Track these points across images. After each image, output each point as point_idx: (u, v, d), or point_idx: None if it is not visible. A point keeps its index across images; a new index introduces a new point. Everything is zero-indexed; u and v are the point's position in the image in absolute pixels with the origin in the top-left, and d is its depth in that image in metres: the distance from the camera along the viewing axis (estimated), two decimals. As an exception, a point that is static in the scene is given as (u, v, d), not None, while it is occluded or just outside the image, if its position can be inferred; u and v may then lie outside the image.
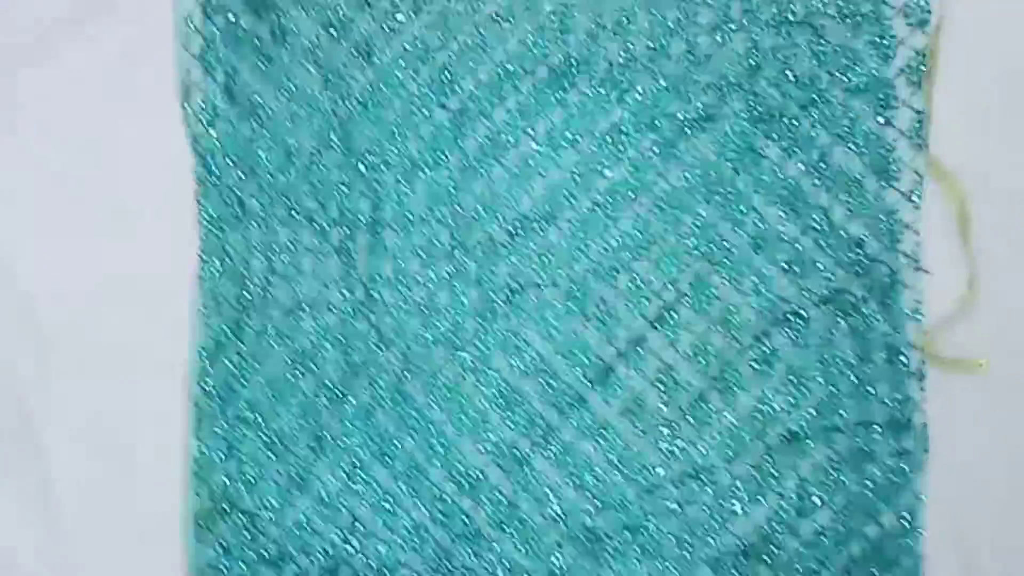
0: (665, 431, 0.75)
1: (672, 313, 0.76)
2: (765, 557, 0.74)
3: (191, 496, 0.78)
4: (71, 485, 0.78)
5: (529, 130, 0.77)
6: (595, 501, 0.75)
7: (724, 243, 0.75)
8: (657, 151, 0.76)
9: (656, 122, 0.76)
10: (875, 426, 0.73)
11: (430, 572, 0.76)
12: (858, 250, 0.75)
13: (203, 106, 0.78)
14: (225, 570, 0.78)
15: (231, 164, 0.78)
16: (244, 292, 0.78)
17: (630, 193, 0.76)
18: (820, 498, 0.73)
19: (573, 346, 0.76)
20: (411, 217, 0.77)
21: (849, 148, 0.75)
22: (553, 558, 0.75)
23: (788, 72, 0.75)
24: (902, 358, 0.74)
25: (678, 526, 0.74)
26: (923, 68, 0.74)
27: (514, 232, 0.77)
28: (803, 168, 0.75)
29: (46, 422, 0.78)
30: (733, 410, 0.75)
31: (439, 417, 0.76)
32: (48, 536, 0.78)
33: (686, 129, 0.76)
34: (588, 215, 0.77)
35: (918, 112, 0.75)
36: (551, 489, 0.75)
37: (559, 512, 0.75)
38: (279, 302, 0.78)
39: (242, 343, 0.78)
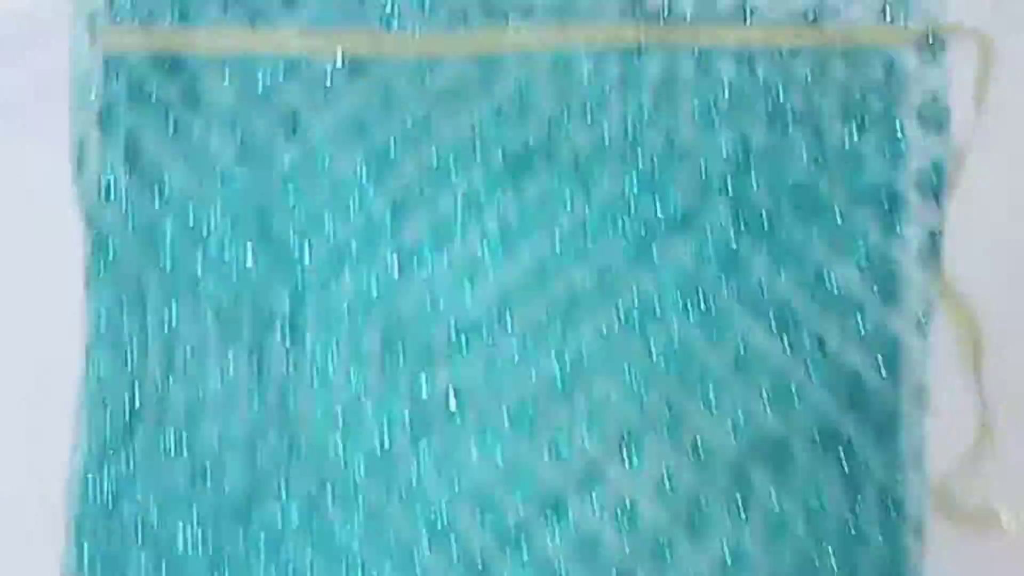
0: None
1: (636, 441, 0.65)
2: None
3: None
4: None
5: (479, 224, 0.66)
6: None
7: (700, 363, 0.65)
8: (627, 254, 0.66)
9: (626, 222, 0.66)
10: None
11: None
12: (854, 382, 0.65)
13: (100, 177, 0.67)
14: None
15: (129, 245, 0.67)
16: (137, 394, 0.67)
17: (593, 300, 0.66)
18: None
19: (519, 473, 0.66)
20: (336, 316, 0.66)
21: (849, 264, 0.65)
22: None
23: (781, 174, 0.65)
24: (898, 508, 0.64)
25: None
26: (938, 179, 0.64)
27: (456, 339, 0.66)
28: (795, 284, 0.65)
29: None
30: (702, 557, 0.65)
31: (358, 547, 0.66)
32: None
33: (661, 231, 0.66)
34: (543, 323, 0.66)
35: (931, 230, 0.64)
36: None
37: None
38: (178, 407, 0.67)
39: (132, 453, 0.67)
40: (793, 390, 0.65)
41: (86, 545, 0.67)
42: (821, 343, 0.65)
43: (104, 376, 0.67)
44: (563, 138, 0.66)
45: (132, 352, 0.67)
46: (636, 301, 0.66)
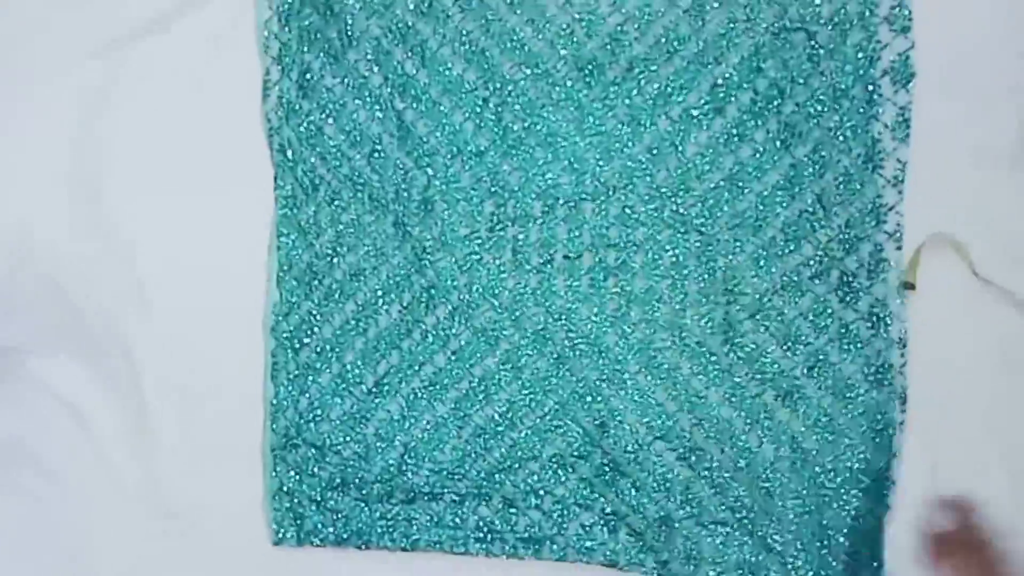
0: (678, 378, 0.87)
1: (680, 284, 0.88)
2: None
3: (267, 431, 0.92)
4: (166, 418, 0.92)
5: (560, 119, 0.89)
6: (611, 437, 0.88)
7: (729, 206, 0.87)
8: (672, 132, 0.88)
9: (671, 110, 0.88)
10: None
11: (473, 496, 0.89)
12: (847, 229, 0.86)
13: (279, 102, 0.91)
14: (297, 494, 0.91)
15: (304, 151, 0.91)
16: (314, 258, 0.91)
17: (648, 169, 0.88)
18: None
19: (593, 295, 0.88)
20: (458, 193, 0.90)
21: (838, 140, 0.86)
22: (579, 483, 0.88)
23: (786, 72, 0.87)
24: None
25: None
26: (906, 67, 0.85)
27: (547, 208, 0.89)
28: (800, 157, 0.87)
29: (145, 364, 0.92)
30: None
31: (480, 359, 0.89)
32: (147, 460, 0.92)
33: (697, 119, 0.87)
34: (613, 191, 0.88)
35: (901, 108, 0.86)
36: (574, 422, 0.88)
37: (582, 444, 0.88)
38: (344, 266, 0.91)
39: (311, 301, 0.91)
40: (799, 237, 0.87)
41: (279, 370, 0.91)
42: (820, 202, 0.86)
43: (289, 247, 0.91)
44: (620, 48, 0.88)
45: (309, 228, 0.91)
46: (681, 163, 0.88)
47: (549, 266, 0.89)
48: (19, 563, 0.92)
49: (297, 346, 0.91)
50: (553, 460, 0.89)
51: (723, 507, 0.87)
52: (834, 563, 0.85)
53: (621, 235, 0.88)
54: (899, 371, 0.85)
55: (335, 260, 0.91)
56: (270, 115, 0.92)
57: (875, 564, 0.84)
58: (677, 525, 0.87)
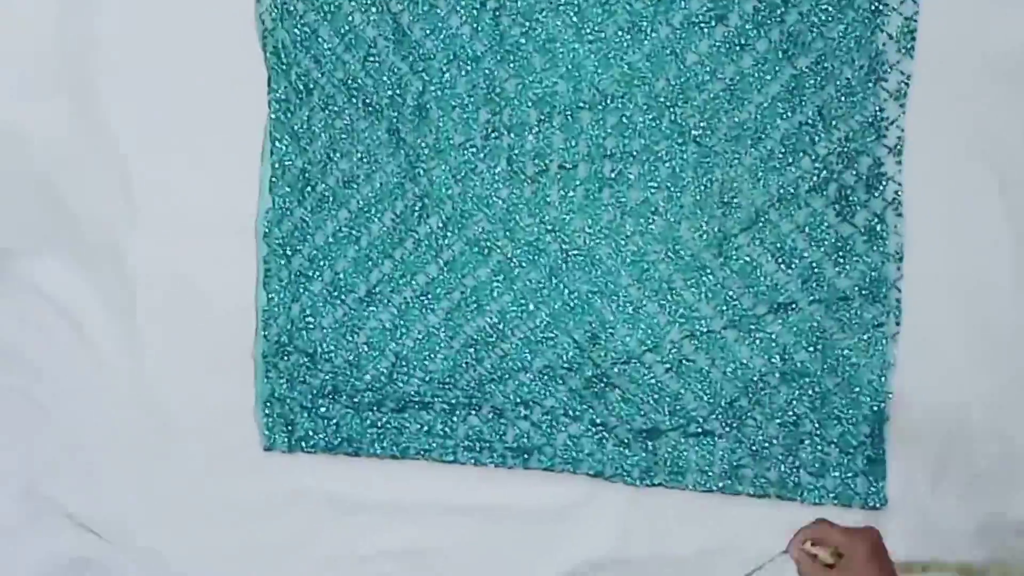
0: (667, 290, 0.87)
1: (676, 196, 0.87)
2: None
3: (259, 338, 0.92)
4: (157, 323, 0.92)
5: (559, 25, 0.87)
6: (603, 347, 0.87)
7: (725, 127, 0.86)
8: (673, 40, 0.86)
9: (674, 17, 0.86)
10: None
11: (463, 406, 0.89)
12: (847, 143, 0.85)
13: (273, 2, 0.89)
14: (288, 400, 0.91)
15: (298, 54, 0.90)
16: (307, 164, 0.90)
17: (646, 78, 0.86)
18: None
19: (588, 206, 0.87)
20: (454, 99, 0.88)
21: (841, 51, 0.84)
22: (568, 394, 0.88)
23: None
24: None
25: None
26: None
27: (543, 116, 0.87)
28: (803, 69, 0.85)
29: (137, 269, 0.92)
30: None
31: (472, 269, 0.88)
32: (139, 363, 0.92)
33: (699, 26, 0.86)
34: (611, 100, 0.87)
35: (907, 18, 0.83)
36: (565, 334, 0.88)
37: (572, 356, 0.88)
38: (337, 172, 0.90)
39: (304, 208, 0.90)
40: (798, 150, 0.85)
41: (271, 277, 0.91)
42: (821, 114, 0.85)
43: (282, 152, 0.90)
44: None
45: (303, 133, 0.90)
46: (679, 73, 0.87)
47: (544, 176, 0.88)
48: (13, 462, 0.93)
49: (289, 253, 0.91)
50: (543, 371, 0.88)
51: (711, 417, 0.86)
52: (827, 473, 0.85)
53: (618, 145, 0.87)
54: (894, 285, 0.84)
55: (328, 166, 0.90)
56: (263, 16, 0.90)
57: (872, 479, 0.84)
58: (664, 436, 0.87)
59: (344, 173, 0.90)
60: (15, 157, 0.92)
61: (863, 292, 0.85)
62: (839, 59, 0.84)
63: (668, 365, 0.87)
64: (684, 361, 0.87)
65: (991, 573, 0.81)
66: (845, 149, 0.85)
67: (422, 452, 0.90)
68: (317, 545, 0.91)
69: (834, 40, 0.84)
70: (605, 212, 0.87)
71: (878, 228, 0.84)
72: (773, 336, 0.86)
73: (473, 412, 0.90)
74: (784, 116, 0.85)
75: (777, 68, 0.85)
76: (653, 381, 0.87)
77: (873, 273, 0.84)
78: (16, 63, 0.92)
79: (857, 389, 0.85)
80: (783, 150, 0.85)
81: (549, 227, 0.88)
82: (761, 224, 0.86)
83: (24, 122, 0.92)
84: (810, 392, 0.85)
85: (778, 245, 0.86)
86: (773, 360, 0.86)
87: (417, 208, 0.89)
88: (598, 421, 0.88)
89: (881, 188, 0.85)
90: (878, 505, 0.85)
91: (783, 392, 0.86)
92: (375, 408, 0.91)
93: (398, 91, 0.89)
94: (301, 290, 0.91)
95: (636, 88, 0.86)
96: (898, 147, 0.84)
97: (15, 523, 0.92)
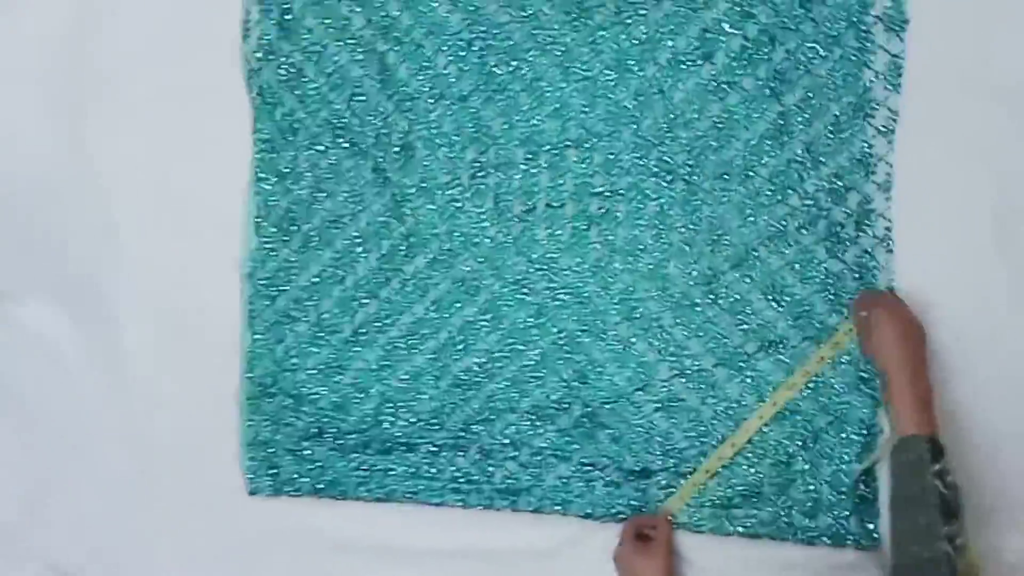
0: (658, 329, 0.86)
1: (664, 233, 0.86)
2: None
3: (243, 380, 0.90)
4: (142, 363, 0.91)
5: (546, 64, 0.87)
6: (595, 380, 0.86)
7: (713, 156, 0.85)
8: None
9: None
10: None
11: (450, 447, 0.88)
12: (835, 180, 0.84)
13: (260, 42, 0.89)
14: (272, 443, 0.90)
15: (283, 94, 0.89)
16: (292, 204, 0.90)
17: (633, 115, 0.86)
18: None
19: (575, 244, 0.86)
20: (440, 138, 0.88)
21: (829, 88, 0.84)
22: (557, 434, 0.86)
23: (777, 18, 0.84)
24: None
25: None
26: (900, 13, 0.83)
27: (530, 154, 0.87)
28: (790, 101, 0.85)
29: (120, 308, 0.91)
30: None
31: (459, 309, 0.88)
32: (123, 404, 0.91)
33: (685, 65, 0.85)
34: (598, 138, 0.86)
35: (894, 56, 0.83)
36: (554, 373, 0.87)
37: (561, 395, 0.86)
38: (323, 212, 0.89)
39: (289, 248, 0.90)
40: (788, 184, 0.85)
41: (256, 318, 0.90)
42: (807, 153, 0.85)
43: (268, 192, 0.90)
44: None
45: (288, 173, 0.90)
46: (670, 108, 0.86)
47: (531, 214, 0.87)
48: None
49: (274, 293, 0.90)
50: (532, 411, 0.87)
51: (702, 457, 0.85)
52: (819, 513, 0.84)
53: (605, 183, 0.87)
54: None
55: (313, 206, 0.90)
56: (249, 56, 0.90)
57: (864, 518, 0.83)
58: (655, 476, 0.85)
59: (330, 213, 0.89)
60: (5, 196, 0.91)
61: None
62: (827, 96, 0.84)
63: (658, 404, 0.86)
64: (674, 400, 0.86)
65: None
66: (834, 186, 0.84)
67: (409, 494, 0.88)
68: (302, 591, 0.89)
69: (821, 77, 0.84)
70: (593, 250, 0.87)
71: (869, 264, 0.84)
72: (764, 374, 0.85)
73: (460, 453, 0.88)
74: (772, 153, 0.85)
75: (764, 106, 0.85)
76: (643, 420, 0.86)
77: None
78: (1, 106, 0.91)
79: (848, 428, 0.83)
80: (772, 187, 0.85)
81: (536, 266, 0.87)
82: (750, 261, 0.85)
83: (14, 159, 0.91)
84: (802, 431, 0.84)
85: (768, 282, 0.85)
86: (764, 398, 0.85)
87: (403, 247, 0.88)
88: (587, 461, 0.87)
89: (871, 224, 0.84)
90: (871, 545, 0.83)
91: (774, 431, 0.84)
92: (361, 450, 0.89)
93: (384, 131, 0.88)
94: (286, 331, 0.90)
95: (623, 126, 0.86)
96: (887, 184, 0.84)
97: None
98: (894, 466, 0.72)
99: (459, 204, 0.88)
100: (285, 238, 0.90)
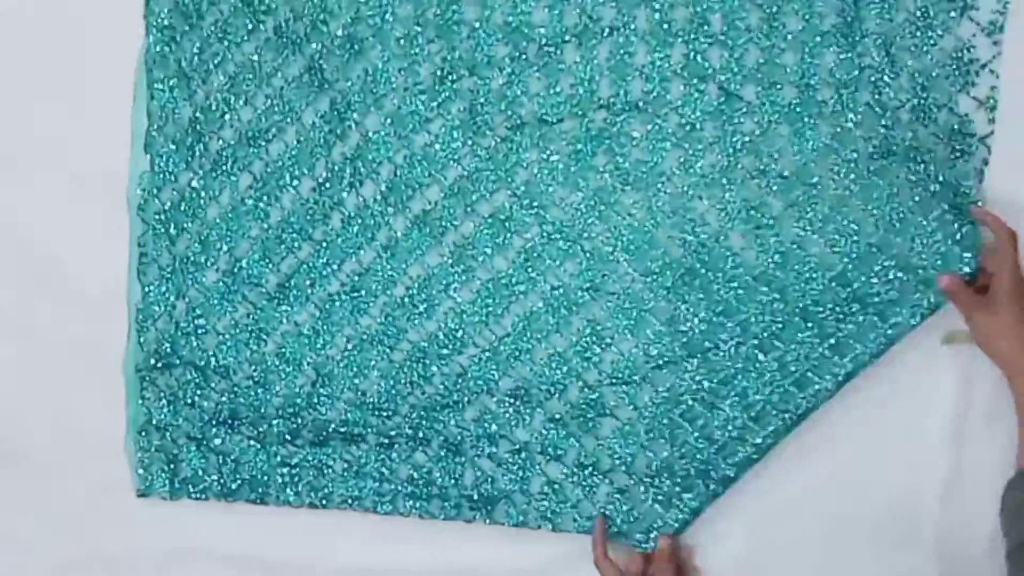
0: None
1: (693, 158, 0.65)
2: None
3: (132, 346, 0.69)
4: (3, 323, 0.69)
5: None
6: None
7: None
8: None
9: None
10: None
11: (405, 439, 0.67)
12: (921, 92, 0.63)
13: None
14: (170, 429, 0.68)
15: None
16: (197, 113, 0.68)
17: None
18: None
19: (575, 173, 0.66)
20: (396, 27, 0.66)
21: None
22: (546, 424, 0.66)
23: None
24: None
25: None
26: None
27: (517, 51, 0.65)
28: None
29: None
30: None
31: (420, 256, 0.67)
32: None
33: None
34: (604, 32, 0.65)
35: None
36: (541, 341, 0.66)
37: (551, 372, 0.66)
38: (237, 124, 0.68)
39: (192, 171, 0.68)
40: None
41: (148, 265, 0.68)
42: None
43: (165, 97, 0.68)
44: None
45: (192, 70, 0.67)
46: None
47: (517, 132, 0.66)
48: None
49: (173, 232, 0.68)
50: (514, 394, 0.66)
51: (738, 459, 0.65)
52: None
53: (614, 91, 0.65)
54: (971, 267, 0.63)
55: (226, 116, 0.68)
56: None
57: None
58: (679, 480, 0.65)
59: (247, 125, 0.68)
60: None
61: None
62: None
63: (683, 385, 0.65)
64: (705, 380, 0.65)
65: None
66: (919, 100, 0.63)
67: (350, 500, 0.68)
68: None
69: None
70: (598, 180, 0.65)
71: (963, 205, 0.63)
72: (824, 346, 0.64)
73: (420, 447, 0.67)
74: (837, 53, 0.64)
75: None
76: (663, 407, 0.65)
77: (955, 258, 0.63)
78: None
79: None
80: (836, 99, 0.64)
81: (523, 200, 0.66)
82: (807, 197, 0.64)
83: None
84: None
85: (831, 225, 0.64)
86: (833, 380, 0.64)
87: (346, 174, 0.67)
88: (587, 461, 0.66)
89: (967, 153, 0.63)
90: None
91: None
92: (287, 441, 0.68)
93: (321, 16, 0.66)
94: (188, 282, 0.69)
95: (638, 10, 0.64)
96: (991, 100, 0.63)
97: None
98: (1009, 507, 0.57)
99: (420, 116, 0.66)
100: (187, 159, 0.68)
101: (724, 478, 0.65)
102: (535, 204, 0.66)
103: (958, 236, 0.63)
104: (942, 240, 0.63)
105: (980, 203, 0.63)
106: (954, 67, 0.63)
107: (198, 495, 0.69)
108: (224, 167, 0.68)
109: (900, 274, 0.63)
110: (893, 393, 0.65)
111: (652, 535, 0.65)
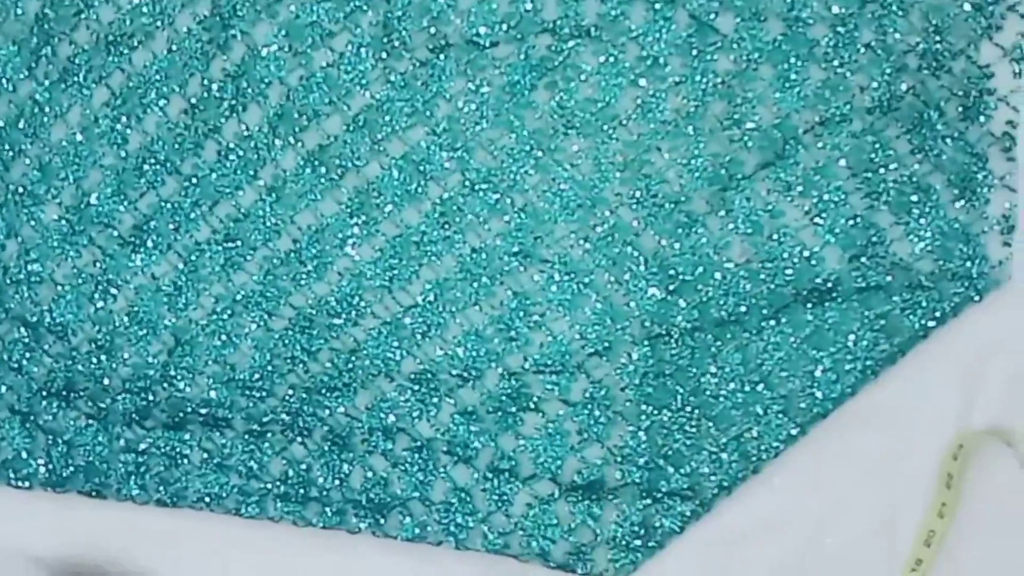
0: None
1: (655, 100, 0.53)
2: None
3: (-50, 296, 0.56)
4: None
5: None
6: None
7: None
8: None
9: None
10: None
11: (281, 425, 0.54)
12: (935, 36, 0.52)
13: None
14: (-10, 401, 0.55)
15: None
16: (47, 7, 0.56)
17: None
18: None
19: (509, 110, 0.54)
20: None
21: None
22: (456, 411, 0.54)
23: None
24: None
25: None
26: None
27: None
28: None
29: None
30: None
31: (312, 201, 0.55)
32: None
33: None
34: None
35: None
36: (455, 314, 0.54)
37: (466, 353, 0.54)
38: (98, 25, 0.55)
39: (35, 80, 0.55)
40: None
41: None
42: None
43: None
44: None
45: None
46: None
47: (441, 55, 0.54)
48: None
49: (8, 155, 0.57)
50: (418, 378, 0.54)
51: (704, 468, 0.53)
52: None
53: (562, 11, 0.53)
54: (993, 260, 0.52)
55: (81, 14, 0.56)
56: None
57: None
58: (608, 496, 0.53)
59: (106, 28, 0.55)
60: None
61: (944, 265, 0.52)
62: None
63: (627, 377, 0.53)
64: (655, 371, 0.53)
65: None
66: (932, 46, 0.52)
67: (208, 498, 0.55)
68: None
69: None
70: (536, 121, 0.53)
71: (977, 174, 0.52)
72: (798, 334, 0.52)
73: (298, 438, 0.55)
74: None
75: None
76: (598, 403, 0.53)
77: (965, 241, 0.52)
78: None
79: None
80: (832, 38, 0.52)
81: (444, 140, 0.54)
82: (789, 156, 0.53)
83: None
84: None
85: (816, 192, 0.53)
86: (811, 381, 0.52)
87: (226, 95, 0.55)
88: (503, 465, 0.54)
89: (987, 112, 0.52)
90: None
91: None
92: (135, 422, 0.55)
93: None
94: (23, 218, 0.56)
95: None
96: (1018, 50, 0.52)
97: None
98: None
99: (321, 29, 0.54)
100: (30, 65, 0.56)
101: (673, 493, 0.53)
102: (457, 146, 0.54)
103: (967, 217, 0.52)
104: (947, 221, 0.52)
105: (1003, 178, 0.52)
106: (976, 6, 0.52)
107: (19, 482, 0.56)
108: (75, 78, 0.55)
109: (893, 259, 0.52)
110: (883, 407, 0.53)
111: (584, 559, 0.53)
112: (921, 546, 0.52)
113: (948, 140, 0.52)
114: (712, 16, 0.53)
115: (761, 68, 0.53)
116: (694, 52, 0.53)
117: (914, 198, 0.52)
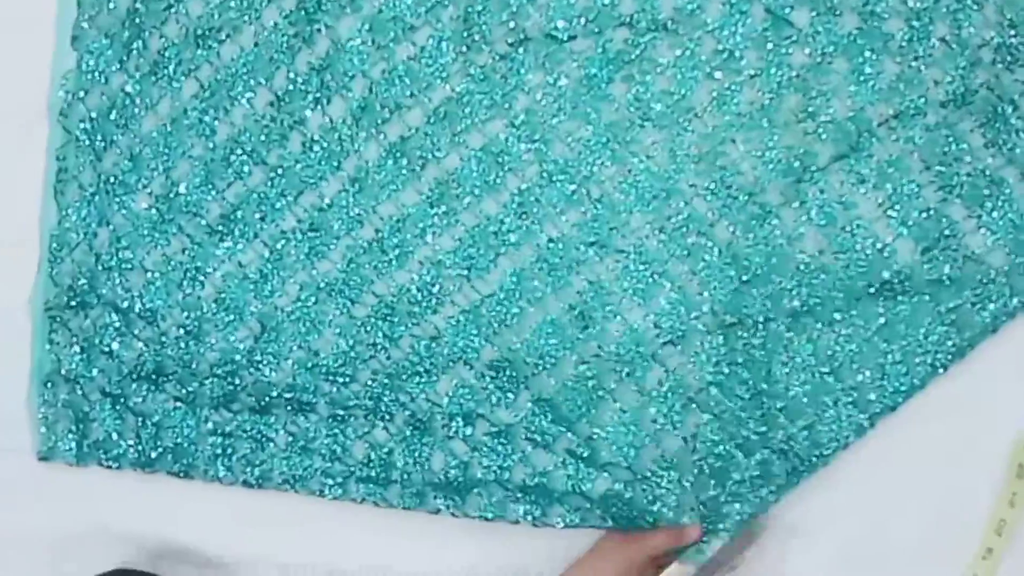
0: None
1: (728, 93, 0.54)
2: None
3: (42, 279, 0.57)
4: None
5: None
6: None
7: None
8: None
9: None
10: None
11: (363, 411, 0.56)
12: (1008, 29, 0.52)
13: None
14: (82, 381, 0.57)
15: None
16: (138, 2, 0.56)
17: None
18: None
19: (586, 103, 0.55)
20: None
21: None
22: (533, 406, 0.55)
23: None
24: None
25: None
26: None
27: None
28: None
29: None
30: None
31: (394, 192, 0.56)
32: None
33: None
34: None
35: None
36: (535, 305, 0.55)
37: (543, 342, 0.55)
38: (183, 19, 0.56)
39: (127, 72, 0.56)
40: None
41: (67, 184, 0.57)
42: None
43: None
44: None
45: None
46: None
47: (519, 50, 0.54)
48: None
49: (100, 145, 0.57)
50: (497, 366, 0.55)
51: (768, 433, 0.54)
52: None
53: (640, 4, 0.54)
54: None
55: (171, 8, 0.56)
56: None
57: None
58: (691, 480, 0.54)
59: (195, 22, 0.56)
60: None
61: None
62: None
63: (700, 364, 0.54)
64: (726, 363, 0.54)
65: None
66: (1007, 39, 0.52)
67: (292, 480, 0.56)
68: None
69: None
70: (612, 113, 0.54)
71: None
72: (869, 328, 0.53)
73: (380, 422, 0.56)
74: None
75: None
76: (673, 392, 0.54)
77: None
78: None
79: None
80: (908, 35, 0.53)
81: (522, 132, 0.55)
82: (862, 148, 0.53)
83: None
84: None
85: (888, 183, 0.53)
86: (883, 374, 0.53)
87: (311, 87, 0.56)
88: (581, 451, 0.55)
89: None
90: None
91: None
92: (222, 405, 0.57)
93: None
94: (114, 206, 0.57)
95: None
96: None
97: None
98: None
99: (404, 23, 0.55)
100: (121, 58, 0.57)
101: (743, 481, 0.54)
102: (535, 138, 0.55)
103: None
104: (1020, 215, 0.53)
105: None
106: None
107: (110, 462, 0.57)
108: (165, 70, 0.56)
109: (965, 252, 0.53)
110: (953, 399, 0.54)
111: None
112: (992, 535, 0.53)
113: (1021, 134, 0.53)
114: (787, 10, 0.54)
115: (836, 61, 0.54)
116: (769, 46, 0.54)
117: (987, 191, 0.53)
